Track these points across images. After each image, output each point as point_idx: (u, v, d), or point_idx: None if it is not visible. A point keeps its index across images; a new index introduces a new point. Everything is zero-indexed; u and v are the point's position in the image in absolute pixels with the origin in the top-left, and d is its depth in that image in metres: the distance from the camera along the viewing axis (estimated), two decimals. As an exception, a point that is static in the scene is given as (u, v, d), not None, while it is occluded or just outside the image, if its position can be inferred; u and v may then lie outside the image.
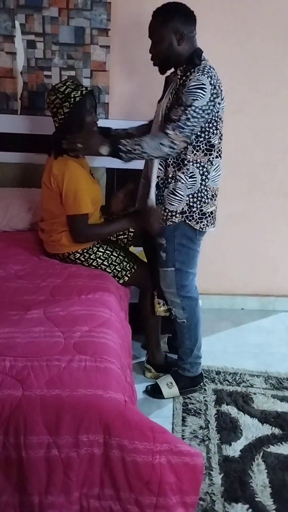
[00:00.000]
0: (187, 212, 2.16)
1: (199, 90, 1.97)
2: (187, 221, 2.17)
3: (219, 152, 2.16)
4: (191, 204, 2.15)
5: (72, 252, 2.34)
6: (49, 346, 1.68)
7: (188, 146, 2.08)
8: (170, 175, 2.14)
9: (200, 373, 2.50)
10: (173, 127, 1.99)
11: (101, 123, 2.80)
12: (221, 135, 2.15)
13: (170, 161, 2.13)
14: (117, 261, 2.37)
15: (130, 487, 1.49)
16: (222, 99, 2.07)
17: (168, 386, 2.43)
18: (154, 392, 2.45)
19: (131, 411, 1.52)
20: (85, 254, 2.35)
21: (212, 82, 2.00)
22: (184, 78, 2.05)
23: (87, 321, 1.84)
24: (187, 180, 2.12)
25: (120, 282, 2.38)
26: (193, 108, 1.97)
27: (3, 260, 2.26)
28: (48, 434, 1.43)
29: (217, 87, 2.03)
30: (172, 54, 2.08)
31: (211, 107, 2.01)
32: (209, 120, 2.04)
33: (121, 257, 2.38)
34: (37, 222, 2.52)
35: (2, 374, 1.54)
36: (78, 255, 2.35)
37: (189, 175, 2.12)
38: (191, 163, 2.11)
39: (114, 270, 2.36)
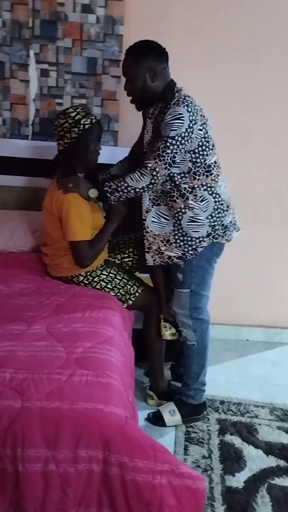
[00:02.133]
0: (212, 232, 2.21)
1: (176, 121, 2.03)
2: (215, 241, 2.23)
3: (218, 167, 2.22)
4: (212, 224, 2.20)
5: (75, 275, 2.34)
6: (51, 360, 1.65)
7: (186, 175, 2.13)
8: (182, 206, 2.18)
9: (204, 401, 2.45)
10: (154, 157, 2.06)
11: (111, 150, 2.88)
12: (217, 153, 2.21)
13: (175, 195, 2.17)
14: (120, 284, 2.36)
15: (129, 508, 1.43)
16: (204, 123, 2.12)
17: (171, 413, 2.38)
18: (156, 419, 2.39)
19: (132, 427, 1.47)
20: (88, 277, 2.34)
21: (190, 109, 2.05)
22: (162, 115, 2.11)
23: (90, 337, 1.81)
24: (200, 204, 2.17)
25: (124, 306, 2.36)
26: (171, 137, 2.03)
27: (8, 278, 2.26)
28: (46, 448, 1.39)
29: (195, 114, 2.07)
30: (147, 91, 2.15)
31: (190, 134, 2.06)
32: (200, 144, 2.10)
33: (125, 280, 2.37)
34: (42, 244, 2.53)
35: (2, 385, 1.50)
36: (82, 277, 2.34)
37: (200, 200, 2.17)
38: (197, 188, 2.16)
39: (118, 293, 2.35)
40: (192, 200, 2.16)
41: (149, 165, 2.06)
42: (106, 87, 2.84)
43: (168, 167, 2.06)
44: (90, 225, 2.26)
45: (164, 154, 2.04)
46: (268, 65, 2.89)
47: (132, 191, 2.11)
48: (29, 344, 1.73)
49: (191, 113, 2.05)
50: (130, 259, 2.55)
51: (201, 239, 2.20)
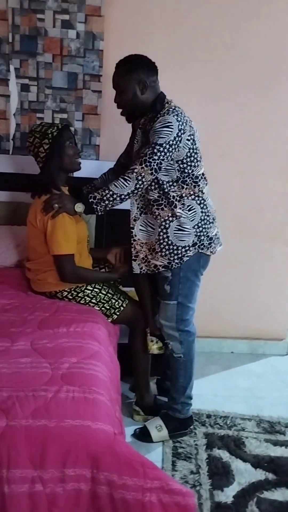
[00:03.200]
0: (198, 242, 2.21)
1: (165, 129, 2.05)
2: (200, 251, 2.22)
3: (205, 179, 2.25)
4: (199, 234, 2.20)
5: (59, 290, 2.31)
6: (36, 376, 1.61)
7: (175, 184, 2.15)
8: (169, 215, 2.17)
9: (191, 415, 2.42)
10: (140, 162, 2.06)
11: (92, 164, 2.88)
12: (203, 165, 2.24)
13: (163, 203, 2.17)
14: (105, 298, 2.33)
15: (118, 527, 1.39)
16: (193, 134, 2.14)
17: (157, 429, 2.34)
18: (143, 435, 2.35)
19: (121, 444, 1.44)
20: (72, 292, 2.31)
21: (179, 119, 2.07)
22: (151, 124, 2.12)
23: (76, 353, 1.78)
24: (187, 213, 2.17)
25: (109, 320, 2.33)
26: (159, 144, 2.05)
27: (-10, 294, 2.21)
28: (32, 468, 1.34)
29: (185, 124, 2.09)
30: (137, 103, 2.16)
31: (178, 143, 2.07)
32: (188, 154, 2.12)
33: (109, 295, 2.35)
34: (23, 260, 2.51)
35: (-14, 404, 1.46)
36: (66, 293, 2.31)
37: (187, 209, 2.18)
38: (185, 197, 2.17)
39: (103, 308, 2.32)
40: (180, 208, 2.17)
41: (135, 170, 2.06)
42: (87, 101, 2.84)
43: (154, 173, 2.08)
44: (75, 240, 2.24)
45: (150, 160, 2.05)
46: (247, 79, 2.93)
47: (118, 198, 2.10)
48: (13, 360, 1.69)
49: (180, 123, 2.06)
50: (115, 273, 2.53)
51: (186, 248, 2.19)
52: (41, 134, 2.23)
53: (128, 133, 2.95)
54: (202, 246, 2.23)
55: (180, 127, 2.06)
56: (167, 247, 2.19)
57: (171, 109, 2.10)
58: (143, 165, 2.06)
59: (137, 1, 2.77)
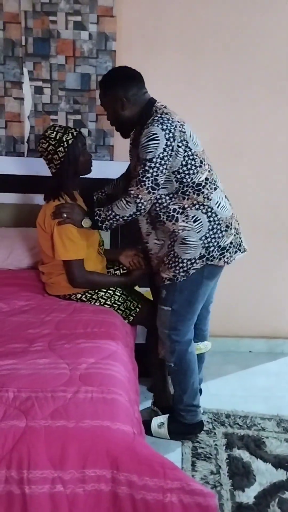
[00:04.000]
0: (206, 254, 2.08)
1: (151, 142, 1.95)
2: (210, 263, 2.10)
3: (214, 184, 2.11)
4: (207, 245, 2.07)
5: (73, 293, 2.31)
6: (54, 377, 1.61)
7: (175, 196, 2.06)
8: (174, 229, 2.09)
9: (198, 422, 2.35)
10: (135, 182, 2.00)
11: (106, 165, 2.88)
12: (209, 168, 2.11)
13: (162, 219, 2.10)
14: (120, 300, 2.32)
15: (139, 528, 1.38)
16: (184, 139, 2.02)
17: (158, 425, 2.35)
18: (146, 428, 2.34)
19: (140, 444, 1.43)
20: (87, 294, 2.31)
21: (164, 127, 1.96)
22: (140, 137, 2.04)
23: (93, 353, 1.78)
24: (192, 225, 2.06)
25: (126, 322, 2.33)
26: (149, 160, 1.96)
27: (7, 296, 2.23)
28: (52, 468, 1.34)
29: (173, 130, 1.98)
30: (122, 120, 2.13)
31: (170, 152, 1.97)
32: (183, 163, 2.01)
33: (124, 296, 2.34)
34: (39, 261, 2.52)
35: (5, 405, 1.46)
36: (80, 295, 2.31)
37: (192, 220, 2.06)
38: (188, 208, 2.06)
39: (118, 310, 2.31)
40: (183, 221, 2.06)
41: (132, 192, 2.00)
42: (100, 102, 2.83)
43: (151, 191, 1.99)
44: (83, 244, 2.23)
45: (144, 179, 1.97)
46: (260, 77, 2.90)
47: (121, 220, 2.06)
48: (31, 362, 1.69)
49: (166, 131, 1.95)
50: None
51: (192, 261, 2.09)
52: (56, 141, 2.21)
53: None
54: (211, 258, 2.10)
55: (167, 136, 1.95)
56: (173, 259, 2.11)
57: (155, 119, 1.99)
58: (138, 186, 1.98)
59: (149, 0, 2.77)
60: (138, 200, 2.00)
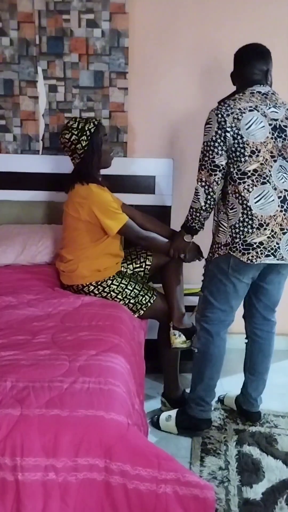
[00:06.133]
0: (231, 243, 2.07)
1: (206, 126, 2.06)
2: (231, 253, 2.07)
3: (261, 179, 2.01)
4: (234, 235, 2.06)
5: (86, 284, 2.33)
6: (53, 368, 1.63)
7: (227, 179, 2.08)
8: (218, 208, 2.16)
9: (206, 419, 2.33)
10: (198, 168, 2.08)
11: (120, 161, 2.89)
12: (264, 161, 2.01)
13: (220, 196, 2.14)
14: (131, 294, 2.33)
15: (132, 518, 1.38)
16: (236, 126, 2.00)
17: (166, 418, 2.35)
18: (155, 423, 2.38)
19: (134, 434, 1.43)
20: (99, 287, 2.33)
21: (218, 112, 2.03)
22: None
23: (95, 345, 1.79)
24: (228, 211, 2.08)
25: (136, 315, 2.34)
26: (204, 143, 2.06)
27: (18, 290, 2.27)
28: (45, 456, 1.35)
29: (225, 115, 2.00)
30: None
31: (223, 135, 2.01)
32: (233, 149, 2.02)
33: (136, 291, 2.35)
34: (55, 255, 2.56)
35: (2, 394, 1.49)
36: (92, 287, 2.33)
37: (230, 207, 2.08)
38: (230, 194, 2.08)
39: (129, 303, 2.33)
40: (223, 205, 2.12)
41: (197, 178, 2.08)
42: (113, 99, 2.86)
43: (212, 173, 2.03)
44: (119, 207, 2.34)
45: (203, 162, 2.05)
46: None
47: (201, 211, 2.11)
48: (32, 353, 1.72)
49: (219, 116, 2.01)
50: (142, 269, 2.53)
51: (219, 245, 2.12)
52: (78, 130, 2.27)
53: (154, 129, 2.96)
54: (234, 249, 2.06)
55: (219, 119, 2.01)
56: (212, 239, 2.21)
57: (219, 106, 2.07)
58: (200, 170, 2.07)
59: (161, -4, 2.77)
60: (203, 184, 2.06)
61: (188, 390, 2.56)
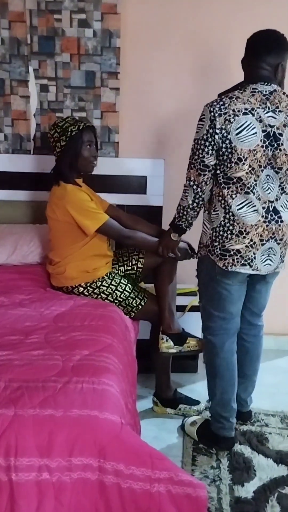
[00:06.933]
0: (210, 246, 2.04)
1: (199, 122, 1.95)
2: (210, 256, 2.04)
3: (244, 188, 1.92)
4: (213, 238, 2.02)
5: (76, 285, 2.33)
6: (47, 368, 1.63)
7: (215, 179, 2.00)
8: (204, 208, 2.10)
9: (225, 437, 2.21)
10: (187, 166, 2.00)
11: (112, 161, 2.90)
12: (250, 170, 1.91)
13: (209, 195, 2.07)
14: (122, 297, 2.33)
15: (126, 517, 1.39)
16: (226, 129, 1.87)
17: (191, 423, 2.35)
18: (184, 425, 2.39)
19: (128, 434, 1.44)
20: (89, 288, 2.33)
21: (212, 109, 1.89)
22: None
23: (88, 345, 1.79)
24: (211, 212, 2.03)
25: (128, 317, 2.34)
26: (195, 141, 1.95)
27: (10, 290, 2.27)
28: (39, 456, 1.36)
29: (217, 114, 1.87)
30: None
31: (213, 136, 1.89)
32: (220, 152, 1.91)
33: (126, 293, 2.34)
34: (45, 256, 2.56)
35: (-4, 394, 1.49)
36: (82, 289, 2.33)
37: (213, 208, 2.02)
38: (214, 196, 2.01)
39: (120, 306, 2.32)
40: (209, 205, 2.05)
41: (186, 176, 2.00)
42: (105, 99, 2.86)
43: (201, 172, 1.94)
44: (98, 208, 2.32)
45: (193, 161, 1.96)
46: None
47: (188, 209, 2.03)
48: (26, 353, 1.72)
49: (213, 113, 1.88)
50: (134, 271, 2.51)
51: (201, 245, 2.11)
52: (61, 130, 2.28)
53: (145, 129, 2.97)
54: (212, 253, 2.03)
55: (212, 117, 1.88)
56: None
57: (217, 100, 1.93)
58: (189, 168, 1.98)
59: (153, -3, 2.78)
60: (191, 183, 1.98)
61: (179, 389, 2.60)
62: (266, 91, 1.93)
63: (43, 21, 2.76)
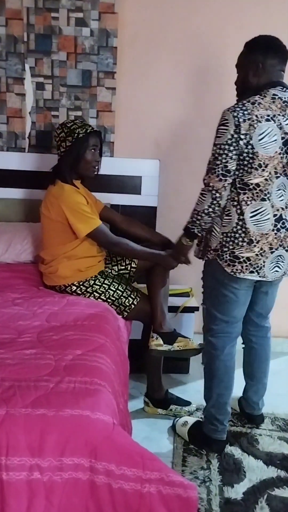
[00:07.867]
0: (219, 250, 2.01)
1: (221, 127, 1.90)
2: (218, 260, 2.02)
3: (261, 194, 1.93)
4: (223, 243, 2.00)
5: (69, 284, 2.33)
6: (39, 367, 1.63)
7: (232, 185, 1.97)
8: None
9: (217, 440, 2.22)
10: (207, 170, 1.95)
11: (107, 161, 2.89)
12: (269, 177, 1.93)
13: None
14: (114, 296, 2.33)
15: (116, 518, 1.39)
16: (249, 134, 1.86)
17: (182, 424, 2.35)
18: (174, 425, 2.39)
19: (120, 434, 1.44)
20: (81, 287, 2.33)
21: (235, 114, 1.86)
22: None
23: (81, 345, 1.79)
24: (223, 217, 1.99)
25: (120, 317, 2.34)
26: (218, 146, 1.90)
27: (3, 288, 2.26)
28: (30, 456, 1.35)
29: (241, 119, 1.85)
30: (245, 85, 2.01)
31: (237, 142, 1.86)
32: (241, 157, 1.89)
33: (119, 292, 2.34)
34: (38, 255, 2.54)
35: (-13, 394, 1.49)
36: (75, 287, 2.33)
37: (226, 213, 1.98)
38: (229, 201, 1.97)
39: (112, 306, 2.32)
40: (223, 209, 2.00)
41: (205, 181, 1.94)
42: (101, 98, 2.86)
43: (222, 178, 1.89)
44: (94, 212, 2.32)
45: (214, 166, 1.90)
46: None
47: (203, 214, 1.96)
48: (18, 352, 1.71)
49: (236, 118, 1.85)
50: (127, 271, 2.52)
51: (210, 249, 2.06)
52: (69, 130, 2.29)
53: (141, 129, 2.97)
54: (221, 258, 2.01)
55: (236, 122, 1.85)
56: (205, 240, 2.12)
57: (239, 104, 1.90)
58: (209, 174, 1.92)
59: (150, -3, 2.78)
60: (210, 189, 1.92)
61: (171, 390, 2.60)
62: (285, 98, 1.93)
63: (40, 19, 2.75)
